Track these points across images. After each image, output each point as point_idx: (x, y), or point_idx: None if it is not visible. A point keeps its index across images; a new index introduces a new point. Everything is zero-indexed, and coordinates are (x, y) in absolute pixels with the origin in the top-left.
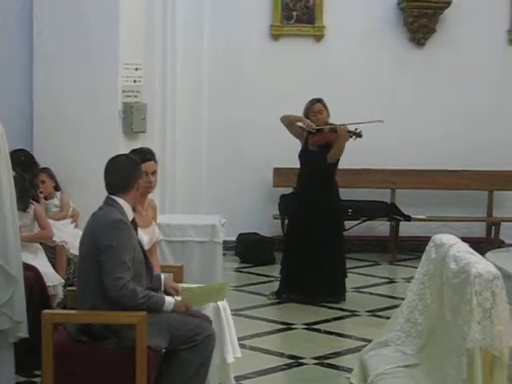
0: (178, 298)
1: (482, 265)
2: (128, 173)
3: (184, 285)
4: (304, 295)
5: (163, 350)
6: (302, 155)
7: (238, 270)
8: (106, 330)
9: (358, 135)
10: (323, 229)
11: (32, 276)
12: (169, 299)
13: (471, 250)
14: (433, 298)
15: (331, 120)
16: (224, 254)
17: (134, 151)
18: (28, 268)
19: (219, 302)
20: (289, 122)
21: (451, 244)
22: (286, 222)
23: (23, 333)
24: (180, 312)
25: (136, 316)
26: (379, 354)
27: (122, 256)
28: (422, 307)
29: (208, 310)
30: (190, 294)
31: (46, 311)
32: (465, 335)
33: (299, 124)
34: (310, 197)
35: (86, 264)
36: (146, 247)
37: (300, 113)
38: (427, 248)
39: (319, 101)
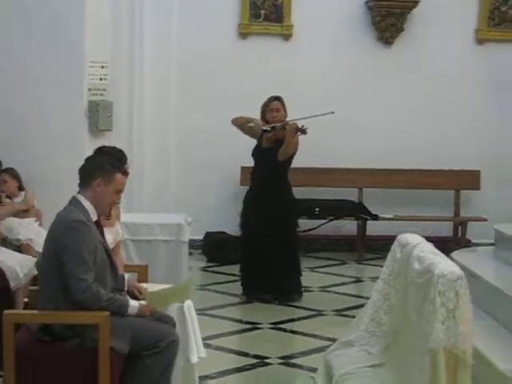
0: (143, 302)
1: (445, 265)
2: (92, 170)
3: (146, 285)
4: (260, 295)
5: (126, 353)
6: (255, 153)
7: (204, 269)
8: (67, 331)
9: (303, 132)
10: (275, 227)
11: None
12: (133, 303)
13: (435, 250)
14: (397, 297)
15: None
16: (191, 253)
17: (101, 150)
18: None
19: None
20: (241, 124)
21: (415, 244)
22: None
23: None
24: (144, 316)
25: (99, 316)
26: (344, 354)
27: (82, 256)
28: (386, 307)
29: (172, 310)
30: (154, 298)
31: (7, 311)
32: (428, 335)
33: (250, 125)
34: (261, 195)
35: (48, 264)
36: (110, 246)
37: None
38: (392, 247)
39: (277, 99)
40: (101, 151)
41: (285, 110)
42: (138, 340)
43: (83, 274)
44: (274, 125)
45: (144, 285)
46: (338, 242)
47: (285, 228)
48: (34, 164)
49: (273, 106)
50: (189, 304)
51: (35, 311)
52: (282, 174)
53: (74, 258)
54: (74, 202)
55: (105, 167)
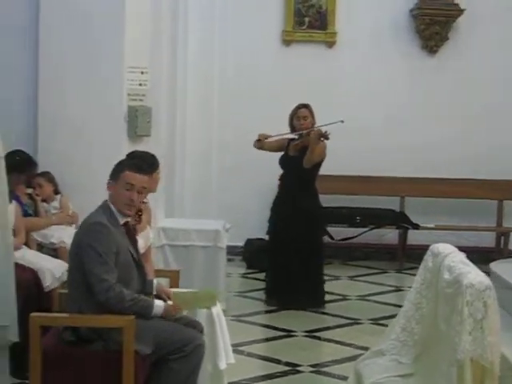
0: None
1: (474, 275)
2: (111, 174)
3: (176, 290)
4: (283, 301)
5: (152, 358)
6: (282, 161)
7: (243, 276)
8: (92, 333)
9: (326, 137)
10: (299, 235)
11: (29, 278)
12: (158, 303)
13: (466, 260)
14: (429, 307)
15: None
16: (231, 260)
17: (133, 155)
18: (25, 270)
19: (213, 309)
20: (260, 147)
21: (447, 253)
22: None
23: (13, 337)
24: (170, 316)
25: (124, 320)
26: (374, 363)
27: (102, 257)
28: (418, 316)
29: (201, 315)
30: (177, 299)
31: (33, 314)
32: (456, 346)
33: (268, 140)
34: (287, 203)
35: (72, 267)
36: (141, 251)
37: (317, 116)
38: (425, 257)
39: (305, 106)
40: (132, 156)
41: (313, 117)
42: (163, 343)
43: (105, 275)
44: (300, 132)
45: (174, 290)
46: (379, 251)
47: (310, 236)
48: (71, 168)
49: (300, 113)
50: (218, 310)
51: (61, 314)
52: (308, 181)
53: (95, 258)
54: (103, 205)
55: (114, 168)
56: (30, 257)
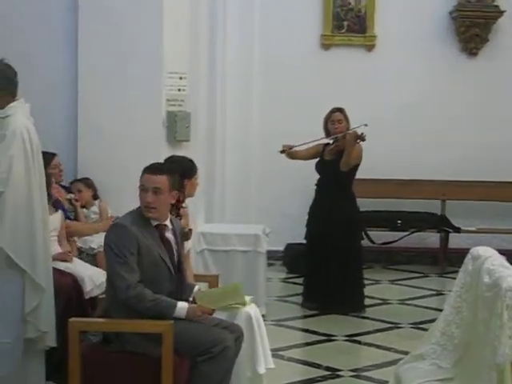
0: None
1: None
2: None
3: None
4: (321, 306)
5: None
6: (318, 166)
7: (284, 281)
8: (110, 333)
9: (362, 139)
10: (338, 239)
11: (69, 283)
12: (181, 304)
13: (506, 263)
14: (469, 311)
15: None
16: (272, 264)
17: (170, 160)
18: (65, 275)
19: (252, 312)
20: (290, 156)
21: (486, 257)
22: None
23: (51, 342)
24: (195, 318)
25: (162, 325)
26: (414, 367)
27: (123, 258)
28: (458, 320)
29: (240, 319)
30: (205, 298)
31: (72, 319)
32: (495, 350)
33: (287, 150)
34: (325, 207)
35: (106, 270)
36: None
37: (356, 120)
38: (465, 260)
39: (339, 110)
40: (169, 160)
41: (347, 120)
42: (189, 345)
43: (124, 274)
44: (335, 136)
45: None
46: (420, 255)
47: (348, 240)
48: (111, 174)
49: (334, 117)
50: (257, 314)
51: (99, 319)
52: (345, 185)
53: (114, 259)
54: (136, 208)
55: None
56: (70, 265)
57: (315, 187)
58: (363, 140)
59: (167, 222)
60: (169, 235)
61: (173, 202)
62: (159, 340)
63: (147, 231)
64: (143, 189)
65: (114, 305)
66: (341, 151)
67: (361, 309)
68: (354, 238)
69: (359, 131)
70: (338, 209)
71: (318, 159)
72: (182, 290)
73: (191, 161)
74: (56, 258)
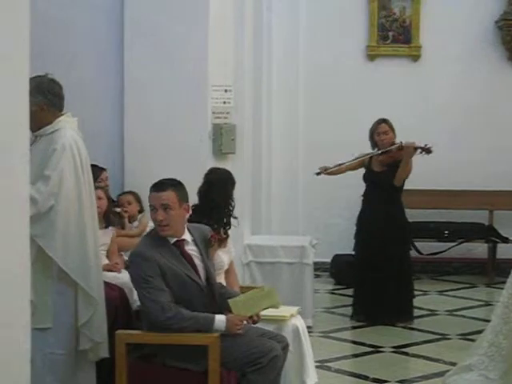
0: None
1: None
2: None
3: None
4: (372, 317)
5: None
6: (367, 176)
7: (331, 292)
8: (154, 349)
9: (428, 151)
10: (390, 250)
11: (117, 296)
12: (219, 317)
13: None
14: None
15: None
16: (319, 276)
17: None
18: (112, 288)
19: (298, 323)
20: (334, 172)
21: None
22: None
23: (104, 353)
24: (234, 329)
25: (209, 337)
26: (462, 379)
27: (148, 284)
28: (506, 331)
29: (287, 331)
30: (239, 305)
31: (119, 331)
32: None
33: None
34: (375, 218)
35: None
36: (226, 267)
37: (402, 132)
38: None
39: (384, 121)
40: (208, 172)
41: (393, 131)
42: (236, 359)
43: (156, 297)
44: (388, 148)
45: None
46: (468, 265)
47: (400, 250)
48: None
49: (380, 129)
50: (303, 327)
51: (147, 332)
52: (396, 196)
53: (144, 286)
54: (151, 231)
55: None
56: (118, 275)
57: (362, 198)
58: (429, 152)
59: (186, 236)
60: (190, 248)
61: (187, 214)
62: (201, 354)
63: (167, 251)
64: (152, 208)
65: (156, 329)
66: (392, 163)
67: (410, 320)
68: (404, 249)
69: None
70: (389, 220)
71: (365, 171)
72: (215, 301)
73: (227, 171)
74: (104, 269)
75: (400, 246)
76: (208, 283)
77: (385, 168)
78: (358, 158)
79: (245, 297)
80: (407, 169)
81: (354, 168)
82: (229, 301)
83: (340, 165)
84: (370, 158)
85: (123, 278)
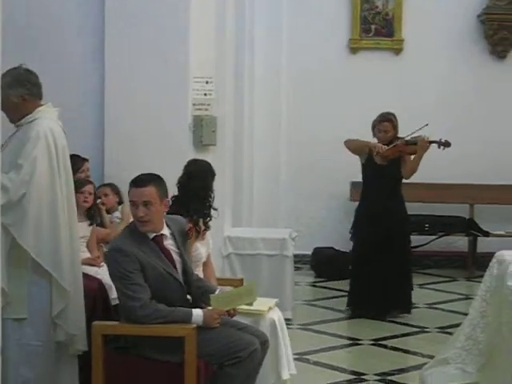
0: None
1: None
2: None
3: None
4: (371, 310)
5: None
6: (369, 169)
7: (312, 285)
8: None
9: (446, 144)
10: (392, 243)
11: (96, 288)
12: (197, 311)
13: None
14: (494, 315)
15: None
16: (300, 268)
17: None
18: (91, 280)
19: (275, 317)
20: (354, 149)
21: (511, 260)
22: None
23: (82, 346)
24: (212, 323)
25: (185, 329)
26: (439, 372)
27: (126, 280)
28: (483, 325)
29: (264, 325)
30: (218, 300)
31: (95, 322)
32: None
33: (373, 149)
34: (379, 211)
35: None
36: (204, 259)
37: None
38: (490, 264)
39: (389, 120)
40: (187, 164)
41: (395, 128)
42: (215, 352)
43: (136, 293)
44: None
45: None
46: (449, 259)
47: (401, 243)
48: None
49: (382, 126)
50: (280, 320)
51: (123, 323)
52: (399, 190)
53: (123, 282)
54: (130, 224)
55: None
56: (98, 271)
57: (362, 191)
58: (448, 145)
59: (164, 231)
60: (168, 243)
61: (166, 210)
62: (178, 346)
63: (146, 246)
64: (133, 204)
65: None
66: (396, 158)
67: (409, 310)
68: (405, 242)
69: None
70: (389, 213)
71: (366, 163)
72: (196, 295)
73: (207, 163)
74: (84, 263)
75: (401, 239)
76: (185, 277)
77: (388, 163)
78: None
79: (226, 293)
80: (417, 163)
81: (355, 151)
82: (210, 296)
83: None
84: (370, 149)
85: (103, 274)
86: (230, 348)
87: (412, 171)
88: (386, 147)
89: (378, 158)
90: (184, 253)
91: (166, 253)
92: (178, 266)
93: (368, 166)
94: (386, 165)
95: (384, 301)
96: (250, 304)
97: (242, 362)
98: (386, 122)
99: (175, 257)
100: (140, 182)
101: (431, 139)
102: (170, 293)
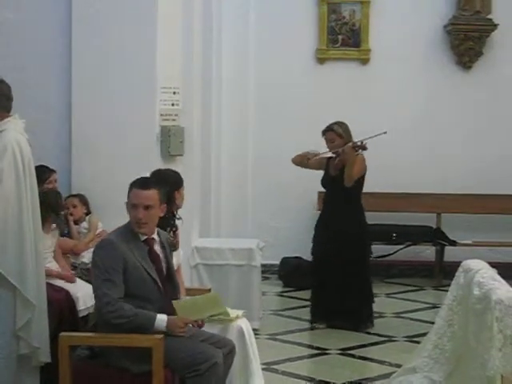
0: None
1: (503, 291)
2: None
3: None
4: (331, 323)
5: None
6: (324, 181)
7: (279, 294)
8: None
9: (363, 148)
10: (347, 253)
11: (62, 298)
12: (161, 317)
13: (497, 276)
14: (460, 324)
15: None
16: (267, 278)
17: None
18: (57, 290)
19: (243, 326)
20: (299, 162)
21: (477, 269)
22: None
23: (46, 357)
24: (176, 330)
25: (152, 339)
26: (407, 381)
27: (106, 274)
28: (450, 333)
29: (232, 334)
30: (183, 307)
31: (62, 334)
32: (485, 362)
33: (309, 157)
34: (334, 221)
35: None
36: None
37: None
38: (457, 273)
39: (330, 129)
40: (155, 174)
41: (341, 136)
42: (175, 360)
43: (108, 290)
44: (336, 150)
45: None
46: (416, 268)
47: (358, 254)
48: (105, 189)
49: (326, 137)
50: (249, 330)
51: (89, 333)
52: (354, 199)
53: (100, 275)
54: (126, 223)
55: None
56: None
57: (323, 202)
58: (364, 149)
59: (155, 236)
60: (157, 248)
61: (161, 215)
62: (142, 356)
63: (135, 247)
64: (134, 205)
65: (100, 320)
66: (344, 166)
67: (370, 326)
68: (363, 252)
69: (366, 141)
70: (347, 223)
71: (323, 175)
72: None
73: (176, 173)
74: (59, 277)
75: (358, 250)
76: (170, 283)
77: (338, 172)
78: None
79: (190, 300)
80: (353, 168)
81: (315, 167)
82: (173, 302)
83: (316, 155)
84: (328, 161)
85: (72, 288)
86: (193, 360)
87: (348, 178)
88: (317, 152)
89: (332, 169)
90: (170, 261)
91: (155, 255)
92: (164, 272)
93: (324, 177)
94: (337, 175)
95: (343, 314)
96: (225, 315)
97: (201, 375)
98: (328, 132)
99: (163, 263)
100: (144, 184)
101: (352, 144)
102: (148, 294)
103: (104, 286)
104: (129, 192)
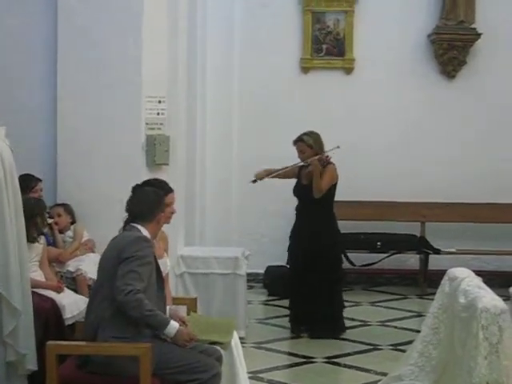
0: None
1: (489, 299)
2: (153, 205)
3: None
4: (310, 330)
5: None
6: (296, 190)
7: (265, 303)
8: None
9: (327, 162)
10: (319, 264)
11: (48, 307)
12: (174, 323)
13: (482, 284)
14: (446, 332)
15: None
16: (253, 287)
17: (149, 183)
18: (44, 299)
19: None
20: (266, 176)
21: (463, 278)
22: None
23: (32, 365)
24: (182, 340)
25: (140, 348)
26: None
27: (137, 267)
28: (435, 341)
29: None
30: (197, 322)
31: (49, 342)
32: (471, 370)
33: (274, 174)
34: (306, 231)
35: (102, 277)
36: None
37: (335, 142)
38: (442, 282)
39: (300, 140)
40: (147, 184)
41: (311, 147)
42: (174, 369)
43: (132, 280)
44: (307, 160)
45: (194, 314)
46: (400, 277)
47: (329, 262)
48: (90, 197)
49: (297, 148)
50: (236, 341)
51: (77, 342)
52: (325, 207)
53: (130, 266)
54: (132, 228)
55: (159, 200)
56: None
57: (295, 212)
58: (328, 163)
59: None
60: None
61: None
62: (133, 363)
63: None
64: (169, 205)
65: (104, 306)
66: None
67: (341, 332)
68: (335, 260)
69: (331, 154)
70: (319, 232)
71: (295, 183)
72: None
73: (164, 182)
74: (48, 288)
75: (329, 259)
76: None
77: (308, 182)
78: (288, 167)
79: (205, 318)
80: (320, 182)
81: (288, 176)
82: (192, 314)
83: (277, 171)
84: (300, 169)
85: (58, 296)
86: (192, 368)
87: (316, 190)
88: (268, 170)
89: (304, 179)
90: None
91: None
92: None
93: (296, 186)
94: (307, 185)
95: (312, 323)
96: (223, 343)
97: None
98: (298, 143)
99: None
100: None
101: (318, 157)
102: (151, 297)
103: (131, 277)
104: (169, 195)
